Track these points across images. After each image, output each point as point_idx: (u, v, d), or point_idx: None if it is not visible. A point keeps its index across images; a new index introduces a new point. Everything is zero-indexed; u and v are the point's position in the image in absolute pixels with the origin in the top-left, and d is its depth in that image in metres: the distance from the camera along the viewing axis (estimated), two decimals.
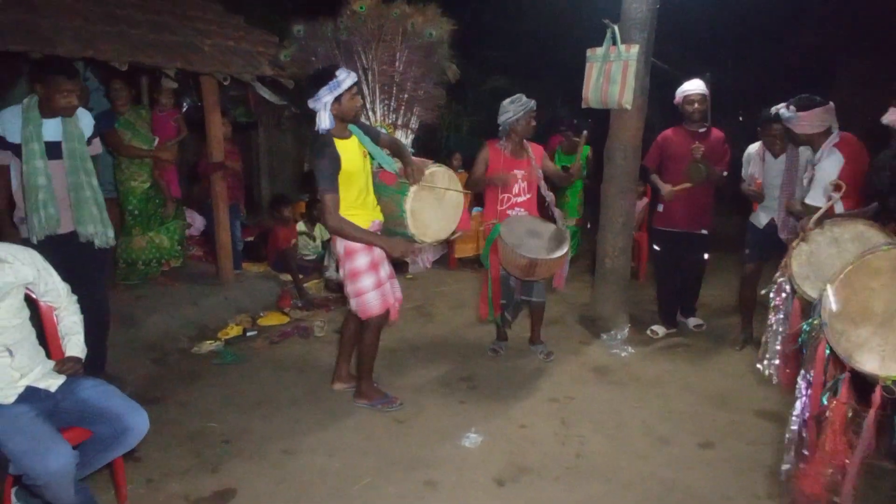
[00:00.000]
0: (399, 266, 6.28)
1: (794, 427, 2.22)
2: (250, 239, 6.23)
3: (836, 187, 2.79)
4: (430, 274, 6.26)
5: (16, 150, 3.03)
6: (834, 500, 2.05)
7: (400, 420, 3.28)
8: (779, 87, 4.23)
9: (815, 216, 2.66)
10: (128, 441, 2.27)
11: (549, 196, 4.00)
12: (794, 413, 2.23)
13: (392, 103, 3.88)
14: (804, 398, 2.18)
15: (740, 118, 11.38)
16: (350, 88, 2.98)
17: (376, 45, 3.75)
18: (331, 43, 3.84)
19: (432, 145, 9.52)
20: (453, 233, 3.49)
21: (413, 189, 3.13)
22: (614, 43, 4.28)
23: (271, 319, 4.77)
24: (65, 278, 2.73)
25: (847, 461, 1.99)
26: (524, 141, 3.93)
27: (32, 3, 3.78)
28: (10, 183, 3.13)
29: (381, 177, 3.30)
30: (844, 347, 1.93)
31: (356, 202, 3.13)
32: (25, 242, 2.87)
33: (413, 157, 3.32)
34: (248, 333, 4.48)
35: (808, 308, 2.59)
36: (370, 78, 3.78)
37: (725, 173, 4.36)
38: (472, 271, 6.16)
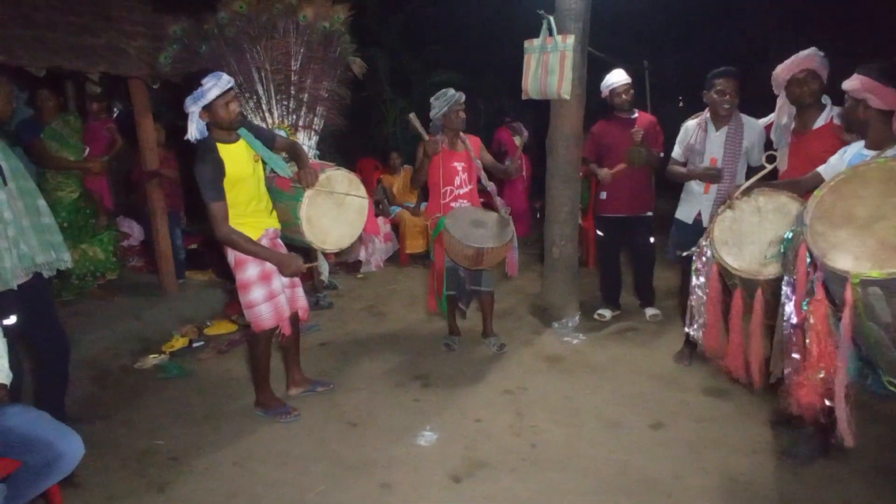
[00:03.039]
0: (350, 266, 6.24)
1: (785, 332, 2.17)
2: (194, 247, 6.03)
3: (769, 158, 2.87)
4: (382, 272, 6.22)
5: None
6: (827, 403, 2.04)
7: (353, 423, 3.23)
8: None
9: (745, 185, 2.73)
10: (61, 468, 2.15)
11: (491, 186, 4.02)
12: (784, 318, 2.18)
13: (290, 104, 3.74)
14: (790, 303, 2.14)
15: (680, 103, 11.69)
16: (221, 96, 2.80)
17: (266, 43, 3.59)
18: (217, 41, 3.64)
19: (378, 142, 9.46)
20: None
21: (308, 194, 3.04)
22: (550, 34, 4.31)
23: (219, 328, 4.63)
24: (27, 319, 2.64)
25: (837, 363, 1.97)
26: (460, 133, 3.94)
27: None
28: None
29: (278, 182, 3.18)
30: (821, 247, 1.93)
31: (246, 210, 3.00)
32: None
33: (314, 161, 3.20)
34: (195, 344, 4.34)
35: (726, 275, 2.67)
36: (263, 77, 3.64)
37: (661, 154, 4.46)
38: (423, 267, 6.13)
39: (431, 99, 3.89)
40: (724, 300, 2.78)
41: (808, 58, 3.03)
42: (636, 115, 4.47)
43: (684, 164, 3.79)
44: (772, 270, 2.51)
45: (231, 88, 2.85)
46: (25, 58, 3.54)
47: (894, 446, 2.94)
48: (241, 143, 3.00)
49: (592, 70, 4.54)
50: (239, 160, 2.94)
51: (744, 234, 2.65)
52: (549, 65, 4.32)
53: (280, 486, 2.71)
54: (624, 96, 4.36)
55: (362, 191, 3.34)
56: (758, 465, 2.80)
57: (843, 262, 1.85)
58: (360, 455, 2.94)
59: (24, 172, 2.73)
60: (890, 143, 2.36)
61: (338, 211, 3.22)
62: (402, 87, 9.87)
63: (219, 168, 2.84)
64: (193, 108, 2.80)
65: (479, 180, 4.02)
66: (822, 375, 2.00)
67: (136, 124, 4.77)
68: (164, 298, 4.90)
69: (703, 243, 2.79)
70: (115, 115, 5.77)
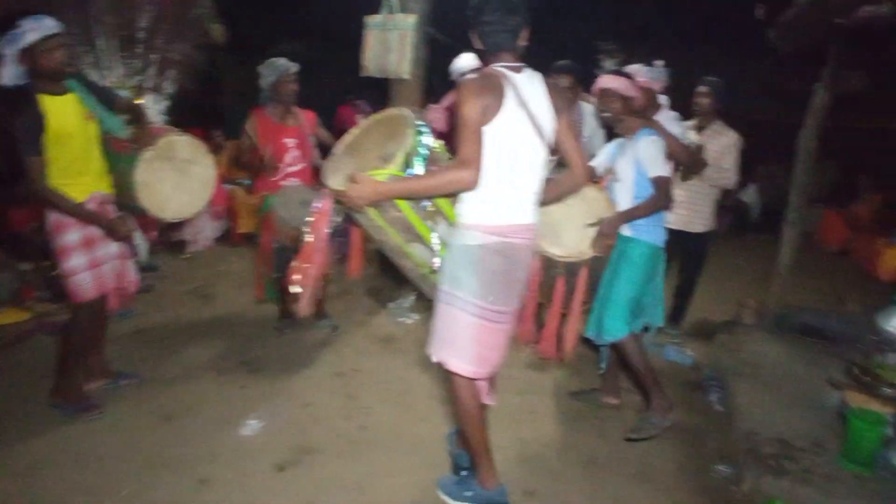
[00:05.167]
0: (174, 245, 5.73)
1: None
2: None
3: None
4: (211, 252, 5.77)
5: None
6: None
7: (168, 416, 2.98)
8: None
9: None
10: None
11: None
12: None
13: (137, 63, 3.44)
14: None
15: None
16: (43, 41, 2.58)
17: None
18: None
19: (216, 112, 8.79)
20: None
21: (144, 157, 2.88)
22: (392, 11, 4.25)
23: (6, 317, 4.00)
24: None
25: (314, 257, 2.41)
26: (292, 107, 3.75)
27: None
28: None
29: (114, 145, 2.97)
30: (328, 169, 2.28)
31: (70, 170, 2.76)
32: None
33: (156, 126, 2.99)
34: None
35: (548, 266, 2.85)
36: (104, 32, 3.31)
37: None
38: (256, 247, 5.81)
39: (260, 67, 3.65)
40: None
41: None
42: None
43: None
44: (591, 250, 2.76)
45: (56, 35, 2.62)
46: None
47: (681, 406, 3.35)
48: (71, 97, 2.74)
49: (439, 52, 4.53)
50: (65, 115, 2.69)
51: (556, 224, 2.83)
52: (389, 42, 4.27)
53: (77, 493, 2.41)
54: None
55: (209, 160, 3.17)
56: (568, 427, 3.06)
57: (334, 181, 2.18)
58: (176, 451, 2.71)
59: None
60: None
61: (180, 178, 3.05)
62: (245, 57, 9.22)
63: (38, 121, 2.59)
64: (7, 50, 2.55)
65: (311, 161, 3.86)
66: (305, 267, 2.42)
67: None
68: None
69: None
70: None
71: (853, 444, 2.58)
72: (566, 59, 3.65)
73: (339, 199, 2.16)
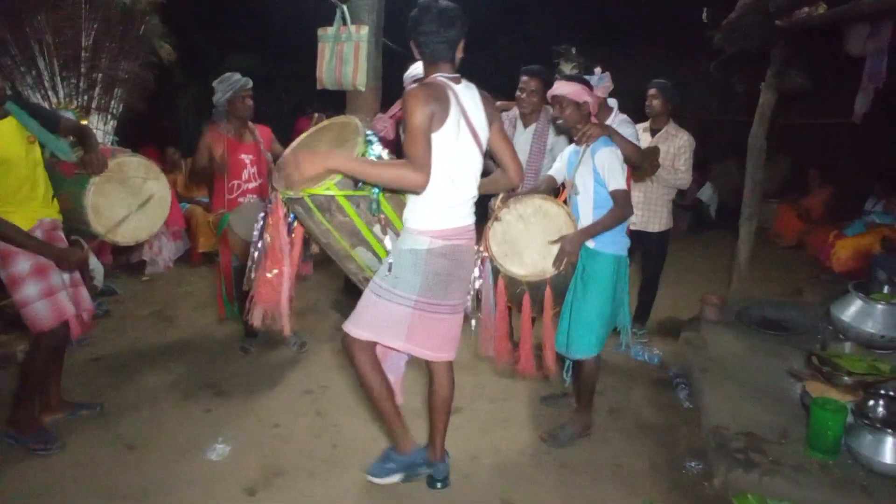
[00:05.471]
0: (133, 268, 5.57)
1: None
2: None
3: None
4: (171, 273, 5.65)
5: None
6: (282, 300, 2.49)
7: (131, 445, 2.87)
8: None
9: (501, 195, 2.83)
10: None
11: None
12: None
13: (81, 83, 3.35)
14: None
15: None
16: None
17: (48, 13, 3.21)
18: None
19: (172, 130, 8.61)
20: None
21: (94, 181, 2.81)
22: (345, 23, 4.23)
23: None
24: None
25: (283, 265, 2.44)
26: (249, 123, 3.70)
27: None
28: None
29: (61, 168, 2.89)
30: (282, 179, 2.25)
31: (15, 197, 2.67)
32: None
33: (105, 147, 2.92)
34: None
35: (511, 284, 2.83)
36: (45, 51, 3.22)
37: None
38: (217, 266, 5.69)
39: (214, 83, 3.59)
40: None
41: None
42: None
43: None
44: (553, 268, 2.74)
45: None
46: None
47: (650, 404, 3.40)
48: (10, 122, 2.65)
49: (394, 63, 4.51)
50: (4, 140, 2.60)
51: (517, 242, 2.80)
52: (344, 55, 4.24)
53: None
54: None
55: (162, 180, 3.12)
56: (541, 432, 3.05)
57: (279, 184, 2.23)
58: (139, 481, 2.61)
59: None
60: None
61: (133, 201, 3.00)
62: (197, 73, 9.05)
63: None
64: None
65: (269, 174, 3.80)
66: (274, 273, 2.44)
67: None
68: None
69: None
70: None
71: (817, 433, 2.64)
72: (521, 64, 3.67)
73: (288, 203, 2.16)
